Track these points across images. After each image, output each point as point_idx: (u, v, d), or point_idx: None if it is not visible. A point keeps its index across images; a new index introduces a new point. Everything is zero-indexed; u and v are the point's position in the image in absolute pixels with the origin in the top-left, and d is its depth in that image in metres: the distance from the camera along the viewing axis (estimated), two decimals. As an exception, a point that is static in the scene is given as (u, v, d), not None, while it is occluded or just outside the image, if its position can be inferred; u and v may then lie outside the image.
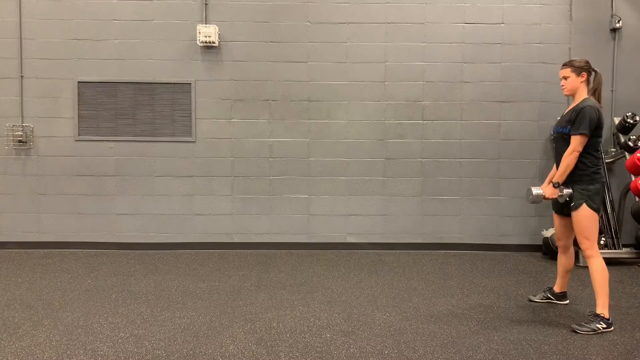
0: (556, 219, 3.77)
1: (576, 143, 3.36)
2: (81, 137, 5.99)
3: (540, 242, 5.94)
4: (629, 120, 5.74)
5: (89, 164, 6.01)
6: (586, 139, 3.36)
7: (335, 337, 3.15)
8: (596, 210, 3.38)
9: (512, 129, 6.07)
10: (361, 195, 6.07)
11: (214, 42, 5.83)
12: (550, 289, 3.93)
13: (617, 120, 5.95)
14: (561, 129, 3.54)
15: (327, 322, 3.43)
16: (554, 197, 3.47)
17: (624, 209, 5.73)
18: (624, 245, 5.64)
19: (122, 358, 2.80)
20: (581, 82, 3.50)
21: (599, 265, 3.34)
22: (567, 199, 3.48)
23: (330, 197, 6.06)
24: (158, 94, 5.99)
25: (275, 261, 5.45)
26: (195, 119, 6.00)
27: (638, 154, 5.35)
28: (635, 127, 5.82)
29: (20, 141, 5.93)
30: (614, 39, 6.04)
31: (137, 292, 4.16)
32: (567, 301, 3.91)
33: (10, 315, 3.54)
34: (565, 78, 3.57)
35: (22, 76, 5.94)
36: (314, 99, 6.02)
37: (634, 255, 5.50)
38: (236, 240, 6.06)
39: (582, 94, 3.51)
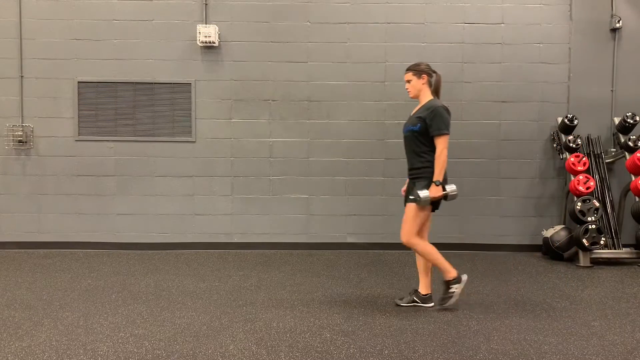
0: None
1: (443, 142, 3.53)
2: (81, 137, 5.99)
3: (540, 242, 5.94)
4: (629, 120, 5.74)
5: (89, 164, 6.01)
6: (448, 137, 3.55)
7: (335, 337, 3.15)
8: (433, 205, 3.67)
9: (512, 129, 6.07)
10: (361, 195, 6.07)
11: (214, 42, 5.83)
12: (416, 292, 3.82)
13: (617, 120, 5.95)
14: (412, 127, 3.65)
15: (327, 322, 3.43)
16: (440, 194, 3.55)
17: (624, 209, 5.73)
18: (624, 245, 5.64)
19: (122, 358, 2.80)
20: (423, 84, 3.68)
21: (421, 249, 3.71)
22: (449, 195, 3.60)
23: (330, 197, 6.06)
24: (158, 94, 5.99)
25: (275, 261, 5.45)
26: (195, 119, 6.00)
27: (638, 154, 5.35)
28: (635, 127, 5.82)
29: (20, 141, 5.94)
30: (614, 39, 6.04)
31: (137, 292, 4.16)
32: (432, 304, 3.78)
33: (10, 315, 3.54)
34: (408, 82, 3.73)
35: (22, 76, 5.94)
36: (314, 99, 6.02)
37: (634, 255, 5.50)
38: (236, 240, 6.06)
39: (427, 95, 3.69)
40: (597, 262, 5.47)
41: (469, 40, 6.03)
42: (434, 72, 3.71)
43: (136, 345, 2.99)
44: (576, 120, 5.78)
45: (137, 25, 5.96)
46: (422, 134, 3.58)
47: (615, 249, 5.53)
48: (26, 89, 5.96)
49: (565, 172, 5.90)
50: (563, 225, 5.71)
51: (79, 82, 5.96)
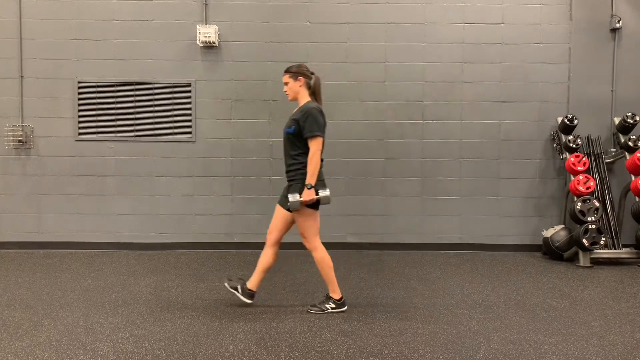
0: (278, 210, 3.81)
1: (316, 145, 3.49)
2: (81, 137, 5.99)
3: (540, 242, 5.94)
4: (629, 120, 5.74)
5: (89, 164, 6.01)
6: (321, 139, 3.52)
7: (335, 337, 3.15)
8: (313, 206, 3.57)
9: (512, 129, 6.07)
10: (361, 195, 6.07)
11: (214, 42, 5.83)
12: (244, 283, 3.76)
13: (617, 120, 5.95)
14: (287, 130, 3.61)
15: (327, 322, 3.43)
16: (312, 198, 3.47)
17: (624, 209, 5.73)
18: (624, 245, 5.64)
19: (122, 358, 2.80)
20: (300, 86, 3.63)
21: (318, 257, 3.68)
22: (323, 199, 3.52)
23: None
24: (158, 94, 5.99)
25: (276, 261, 5.43)
26: (195, 119, 6.00)
27: (638, 154, 5.35)
28: (635, 127, 5.82)
29: (20, 141, 5.94)
30: (614, 39, 6.04)
31: (137, 292, 4.16)
32: (252, 301, 3.74)
33: (10, 315, 3.54)
34: (286, 84, 3.68)
35: (22, 76, 5.94)
36: (314, 99, 6.01)
37: (634, 255, 5.50)
38: (236, 240, 6.06)
39: (304, 97, 3.65)
40: (597, 262, 5.47)
41: (469, 40, 6.03)
42: (312, 74, 3.67)
43: (136, 345, 2.99)
44: (576, 120, 5.78)
45: (137, 25, 5.96)
46: (295, 136, 3.54)
47: (615, 249, 5.53)
48: (26, 89, 5.96)
49: (565, 172, 5.90)
50: (563, 225, 5.71)
51: (79, 82, 5.96)
